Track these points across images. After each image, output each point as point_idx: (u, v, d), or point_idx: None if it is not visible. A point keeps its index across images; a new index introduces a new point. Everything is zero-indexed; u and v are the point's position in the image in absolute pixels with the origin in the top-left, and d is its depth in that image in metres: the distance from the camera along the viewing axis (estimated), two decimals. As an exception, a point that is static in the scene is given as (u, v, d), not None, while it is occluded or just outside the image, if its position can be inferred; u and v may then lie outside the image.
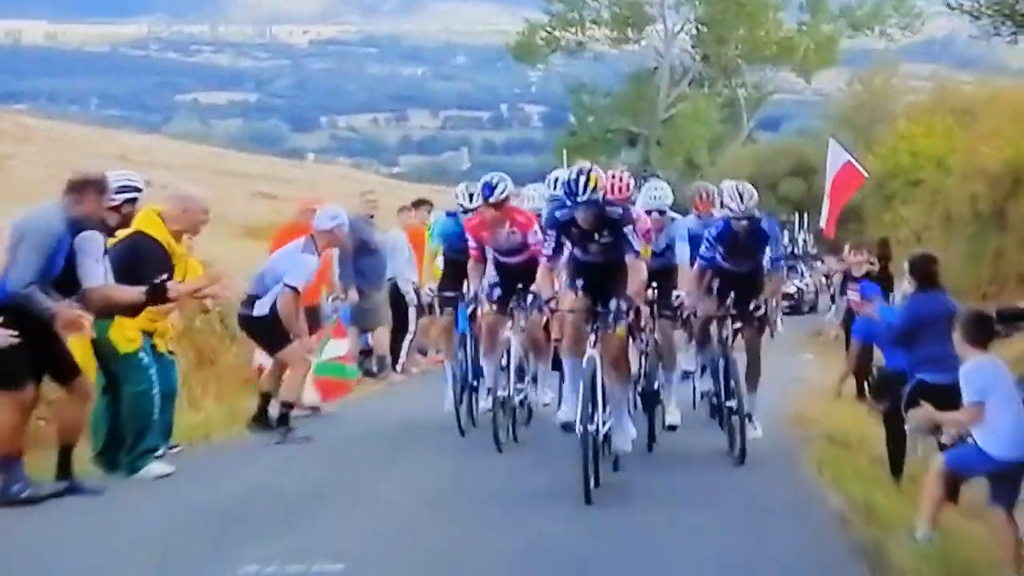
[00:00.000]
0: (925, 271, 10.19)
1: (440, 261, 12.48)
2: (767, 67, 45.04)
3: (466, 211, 11.65)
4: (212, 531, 7.27)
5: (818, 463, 9.47)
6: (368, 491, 8.60)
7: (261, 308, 11.10)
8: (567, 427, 9.31)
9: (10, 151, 55.35)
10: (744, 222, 10.81)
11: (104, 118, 74.25)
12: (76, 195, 8.57)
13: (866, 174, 21.61)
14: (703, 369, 11.78)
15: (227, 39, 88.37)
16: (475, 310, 11.61)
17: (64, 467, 8.49)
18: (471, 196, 11.57)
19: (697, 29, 45.01)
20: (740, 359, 10.83)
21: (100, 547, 7.04)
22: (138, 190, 9.43)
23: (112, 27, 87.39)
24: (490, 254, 11.40)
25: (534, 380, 11.76)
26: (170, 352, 10.08)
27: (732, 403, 10.53)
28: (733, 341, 11.02)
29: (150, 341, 9.65)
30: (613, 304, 9.34)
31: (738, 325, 11.06)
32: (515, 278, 11.30)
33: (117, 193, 9.13)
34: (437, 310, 12.66)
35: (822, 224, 20.96)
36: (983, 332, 7.96)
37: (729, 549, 7.01)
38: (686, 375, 12.11)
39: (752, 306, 10.93)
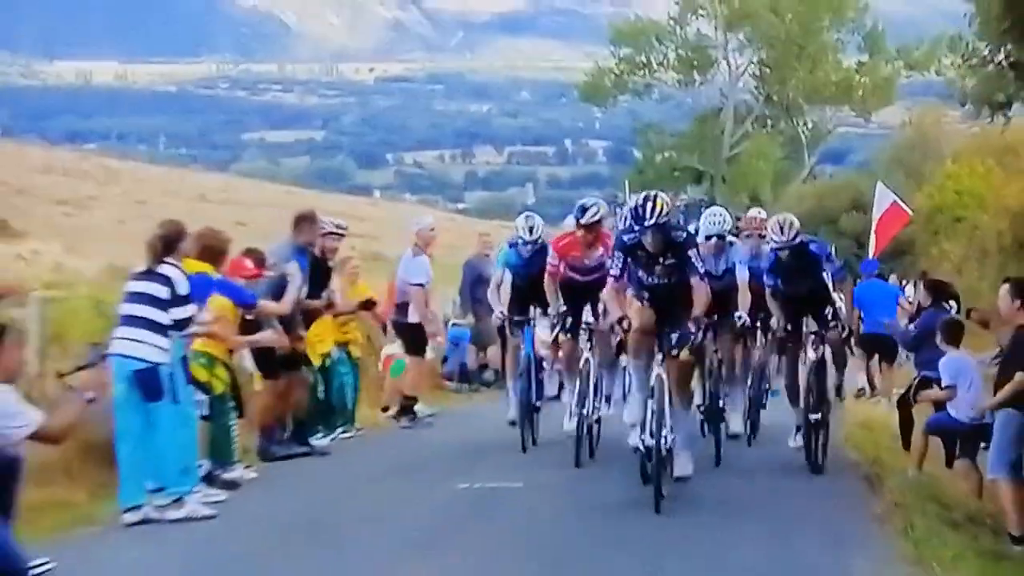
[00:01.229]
0: (935, 291, 14.01)
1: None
2: (827, 106, 48.51)
3: (526, 243, 12.47)
4: (421, 466, 11.06)
5: (846, 438, 13.11)
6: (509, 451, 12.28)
7: (413, 315, 14.79)
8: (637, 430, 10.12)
9: (94, 192, 59.06)
10: (787, 251, 11.69)
11: (173, 157, 78.39)
12: (297, 228, 12.38)
13: (910, 212, 24.95)
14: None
15: (294, 77, 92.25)
16: (553, 328, 12.41)
17: (299, 434, 12.26)
18: (531, 229, 12.45)
19: (760, 71, 48.52)
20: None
21: (344, 483, 10.80)
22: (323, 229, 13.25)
23: (180, 67, 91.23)
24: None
25: (607, 400, 12.35)
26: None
27: (816, 416, 11.51)
28: (820, 356, 11.72)
29: (345, 349, 13.56)
30: (676, 334, 10.01)
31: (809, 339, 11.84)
32: (581, 297, 12.09)
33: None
34: (508, 332, 13.46)
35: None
36: (955, 334, 11.63)
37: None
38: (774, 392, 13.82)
39: (830, 320, 11.78)
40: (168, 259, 9.10)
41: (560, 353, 12.52)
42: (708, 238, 12.38)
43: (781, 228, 11.68)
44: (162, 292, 8.98)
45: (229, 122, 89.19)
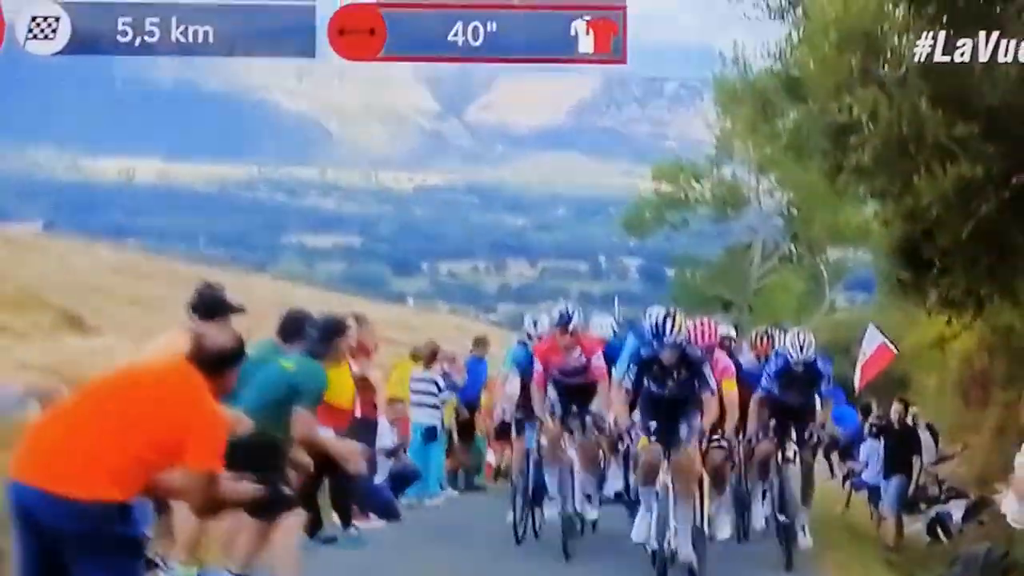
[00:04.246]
0: (864, 411, 23.06)
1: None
2: (848, 247, 57.21)
3: (531, 338, 14.24)
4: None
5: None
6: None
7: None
8: (640, 545, 11.54)
9: (164, 293, 66.59)
10: (801, 367, 12.56)
11: (211, 257, 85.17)
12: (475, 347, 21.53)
13: (895, 352, 33.02)
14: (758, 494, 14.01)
15: (334, 183, 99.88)
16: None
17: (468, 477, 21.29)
18: (535, 323, 14.41)
19: (787, 211, 57.39)
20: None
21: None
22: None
23: (222, 167, 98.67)
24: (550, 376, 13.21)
25: (587, 498, 13.64)
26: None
27: (783, 517, 13.00)
28: (791, 463, 13.12)
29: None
30: (684, 430, 11.18)
31: (793, 450, 13.23)
32: (573, 397, 13.12)
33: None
34: (514, 430, 14.66)
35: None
36: (876, 432, 20.60)
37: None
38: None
39: (807, 434, 12.87)
40: (432, 365, 18.32)
41: (546, 443, 13.55)
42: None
43: (802, 347, 12.62)
44: (432, 387, 18.21)
45: (268, 225, 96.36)
